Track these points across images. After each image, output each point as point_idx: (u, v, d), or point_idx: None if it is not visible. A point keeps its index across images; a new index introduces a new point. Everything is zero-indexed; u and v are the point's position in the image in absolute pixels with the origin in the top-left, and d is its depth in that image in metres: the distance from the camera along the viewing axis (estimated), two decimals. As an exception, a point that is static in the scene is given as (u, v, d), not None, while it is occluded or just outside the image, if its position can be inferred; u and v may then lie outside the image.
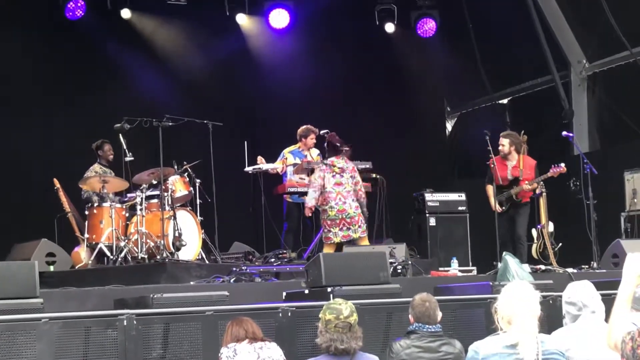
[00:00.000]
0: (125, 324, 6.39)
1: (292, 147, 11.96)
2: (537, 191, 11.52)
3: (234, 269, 9.47)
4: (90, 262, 10.36)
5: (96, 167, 11.57)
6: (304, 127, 11.84)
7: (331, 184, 10.68)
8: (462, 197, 13.01)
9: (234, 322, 6.22)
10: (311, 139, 11.79)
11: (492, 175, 11.28)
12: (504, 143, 11.39)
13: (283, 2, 15.16)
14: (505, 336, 4.66)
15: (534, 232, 11.58)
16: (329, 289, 7.53)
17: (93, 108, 13.53)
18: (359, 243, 10.75)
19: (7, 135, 13.12)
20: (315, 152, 11.94)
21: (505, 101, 17.14)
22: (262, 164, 11.58)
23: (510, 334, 4.65)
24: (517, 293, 4.75)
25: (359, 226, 10.72)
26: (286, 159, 11.83)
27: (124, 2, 14.42)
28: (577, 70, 15.60)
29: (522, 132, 11.66)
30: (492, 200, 11.24)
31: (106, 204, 10.49)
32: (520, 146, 11.44)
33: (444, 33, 16.05)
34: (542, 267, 10.72)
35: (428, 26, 15.89)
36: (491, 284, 8.40)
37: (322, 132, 11.57)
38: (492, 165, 11.22)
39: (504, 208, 11.34)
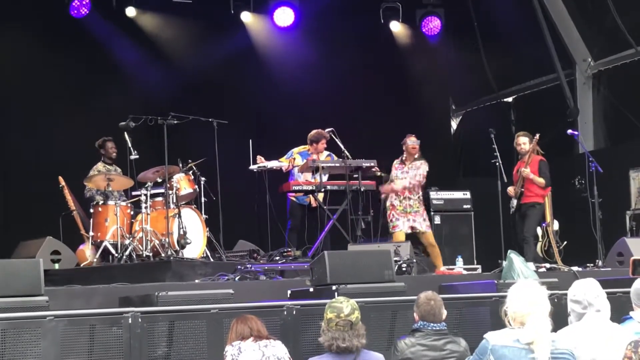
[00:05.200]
0: (130, 321, 6.40)
1: (301, 148, 11.88)
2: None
3: (239, 267, 9.48)
4: (95, 260, 10.38)
5: (99, 165, 11.56)
6: (315, 131, 11.73)
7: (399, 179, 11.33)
8: (467, 195, 13.03)
9: (239, 320, 6.22)
10: (322, 144, 11.73)
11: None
12: (525, 141, 11.34)
13: (288, 0, 15.16)
14: (520, 332, 4.67)
15: (539, 230, 11.56)
16: (334, 287, 7.52)
17: (98, 106, 13.53)
18: (426, 238, 11.31)
19: (13, 133, 13.15)
20: (325, 153, 11.91)
21: (510, 99, 17.15)
22: (266, 162, 11.55)
23: (525, 332, 4.65)
24: (526, 293, 4.76)
25: (424, 219, 11.34)
26: (294, 159, 11.79)
27: (128, 0, 14.43)
28: (582, 68, 15.59)
29: (538, 135, 11.53)
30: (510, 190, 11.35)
31: (111, 202, 10.50)
32: (534, 146, 11.41)
33: (449, 31, 16.06)
34: (547, 265, 10.71)
35: (433, 24, 15.91)
36: (496, 282, 8.40)
37: (326, 130, 11.56)
38: (498, 164, 11.26)
39: (514, 206, 11.36)
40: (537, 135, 11.35)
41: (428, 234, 11.33)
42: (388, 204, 11.41)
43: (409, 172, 11.37)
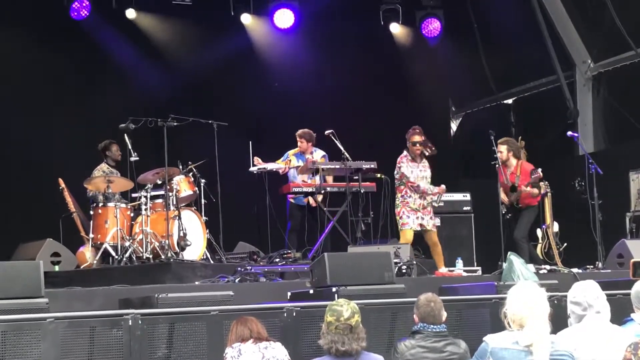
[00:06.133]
0: (130, 323, 6.40)
1: (296, 150, 11.95)
2: (542, 191, 11.49)
3: (239, 268, 9.49)
4: (95, 262, 10.39)
5: (103, 166, 11.62)
6: (300, 130, 11.91)
7: (417, 176, 11.22)
8: (467, 197, 13.03)
9: (239, 321, 6.23)
10: (300, 142, 11.83)
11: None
12: (502, 150, 11.38)
13: (288, 2, 15.16)
14: (518, 334, 4.68)
15: (538, 232, 11.57)
16: (334, 289, 7.52)
17: (98, 108, 13.54)
18: (430, 236, 11.22)
19: (12, 135, 13.14)
20: (319, 153, 11.92)
21: (510, 101, 17.13)
22: (264, 164, 11.56)
23: (524, 334, 4.66)
24: (525, 295, 4.76)
25: (431, 218, 11.23)
26: (289, 160, 11.82)
27: (129, 2, 14.44)
28: (582, 70, 15.58)
29: (520, 137, 11.64)
30: (502, 196, 11.28)
31: (111, 204, 10.51)
32: (518, 151, 11.44)
33: (448, 33, 16.05)
34: (547, 267, 10.71)
35: (433, 26, 15.91)
36: (496, 284, 8.40)
37: (326, 132, 11.57)
38: (498, 166, 11.23)
39: (509, 215, 11.38)
40: (522, 142, 11.42)
41: (433, 233, 11.26)
42: (399, 201, 11.25)
43: (426, 171, 11.37)
